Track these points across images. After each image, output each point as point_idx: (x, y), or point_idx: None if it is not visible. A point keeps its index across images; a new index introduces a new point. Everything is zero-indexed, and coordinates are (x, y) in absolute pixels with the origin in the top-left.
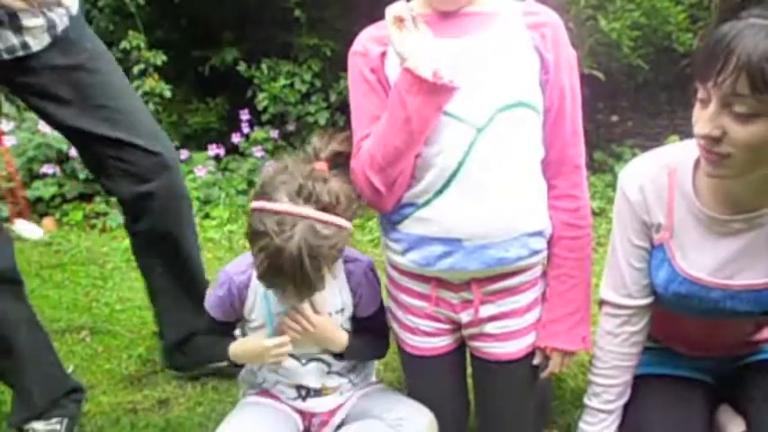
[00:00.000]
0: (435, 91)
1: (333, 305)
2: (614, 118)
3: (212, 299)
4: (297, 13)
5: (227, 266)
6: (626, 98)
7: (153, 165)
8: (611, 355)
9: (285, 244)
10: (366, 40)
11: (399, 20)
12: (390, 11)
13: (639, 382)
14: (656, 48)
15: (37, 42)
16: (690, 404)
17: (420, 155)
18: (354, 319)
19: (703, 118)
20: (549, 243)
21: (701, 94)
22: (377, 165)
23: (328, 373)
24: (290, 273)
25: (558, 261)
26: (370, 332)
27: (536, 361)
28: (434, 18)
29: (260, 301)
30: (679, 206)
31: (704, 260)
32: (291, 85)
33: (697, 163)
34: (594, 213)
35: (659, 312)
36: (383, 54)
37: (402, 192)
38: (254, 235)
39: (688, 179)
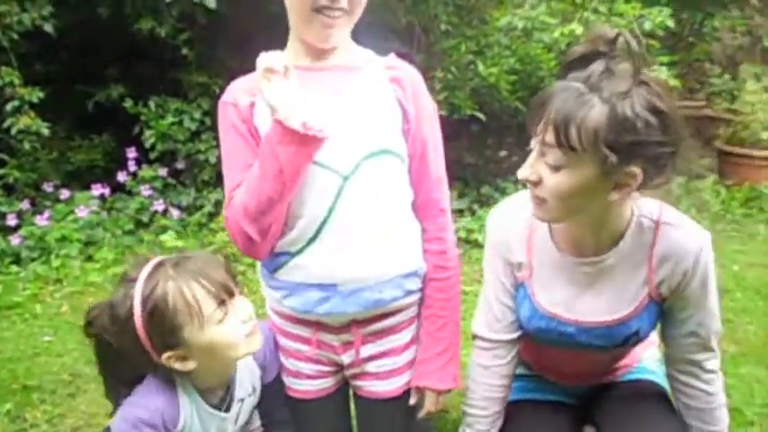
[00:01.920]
0: (306, 142)
1: (245, 390)
2: (502, 153)
3: None
4: (185, 51)
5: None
6: (512, 135)
7: None
8: (483, 387)
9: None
10: (236, 91)
11: (269, 71)
12: (261, 61)
13: (513, 408)
14: (531, 91)
15: None
16: (557, 426)
17: (291, 203)
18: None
19: (527, 163)
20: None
21: (531, 141)
22: (250, 214)
23: None
24: None
25: (428, 301)
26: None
27: (412, 401)
28: (302, 70)
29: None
30: (537, 247)
31: (560, 297)
32: (180, 122)
33: None
34: (480, 246)
35: (529, 343)
36: (252, 105)
37: (276, 240)
38: None
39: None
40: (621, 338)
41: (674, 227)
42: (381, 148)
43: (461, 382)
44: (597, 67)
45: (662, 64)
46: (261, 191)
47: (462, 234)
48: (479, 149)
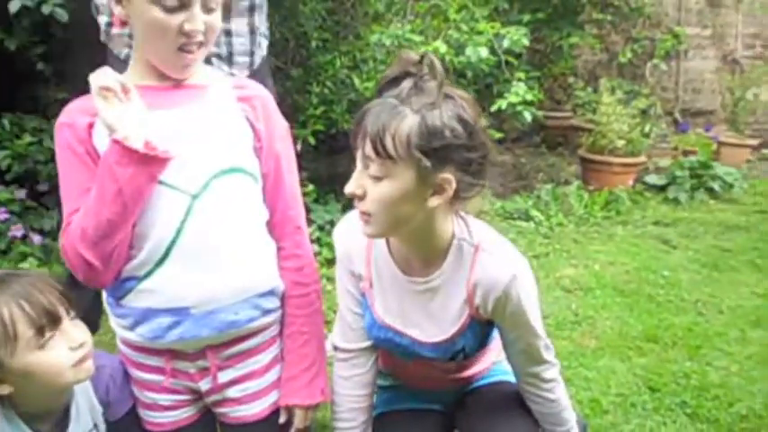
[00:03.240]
0: (147, 162)
1: (85, 425)
2: None
3: None
4: (40, 65)
5: None
6: None
7: None
8: (347, 399)
9: None
10: (73, 111)
11: (106, 89)
12: (95, 80)
13: (379, 421)
14: None
15: None
16: None
17: (135, 225)
18: (107, 423)
19: (352, 179)
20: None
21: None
22: (89, 239)
23: None
24: None
25: (290, 319)
26: None
27: (281, 419)
28: (148, 90)
29: None
30: (377, 259)
31: (395, 310)
32: (40, 141)
33: None
34: None
35: (383, 352)
36: (91, 125)
37: (120, 265)
38: None
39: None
40: (450, 354)
41: (489, 254)
42: (232, 166)
43: (330, 395)
44: (407, 84)
45: (519, 80)
46: (100, 213)
47: None
48: None
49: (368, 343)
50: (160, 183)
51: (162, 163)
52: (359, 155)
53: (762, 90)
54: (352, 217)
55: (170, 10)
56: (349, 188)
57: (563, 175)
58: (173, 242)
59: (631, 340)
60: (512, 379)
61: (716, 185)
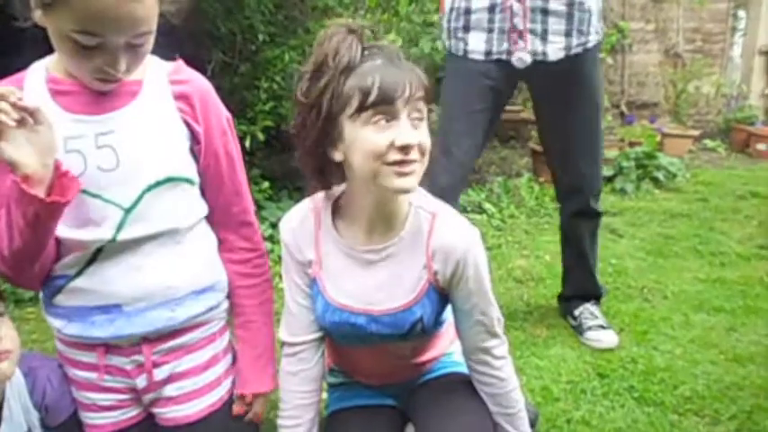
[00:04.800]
0: (50, 205)
1: (18, 428)
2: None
3: None
4: None
5: None
6: None
7: None
8: (293, 395)
9: None
10: None
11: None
12: None
13: (332, 419)
14: None
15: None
16: (376, 430)
17: (62, 231)
18: (48, 428)
19: (402, 132)
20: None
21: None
22: (7, 260)
23: None
24: None
25: (239, 309)
26: None
27: (236, 408)
28: (78, 88)
29: None
30: (324, 241)
31: (349, 288)
32: None
33: (337, 199)
34: None
35: (334, 347)
36: None
37: (46, 272)
38: None
39: (329, 215)
40: (408, 325)
41: (446, 222)
42: (166, 176)
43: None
44: (373, 49)
45: None
46: (13, 241)
47: None
48: None
49: (315, 335)
50: (93, 196)
51: (66, 204)
52: (403, 107)
53: (702, 83)
54: (295, 209)
55: (87, 48)
56: (414, 138)
57: (514, 168)
58: (104, 246)
59: None
60: (463, 369)
61: (660, 175)
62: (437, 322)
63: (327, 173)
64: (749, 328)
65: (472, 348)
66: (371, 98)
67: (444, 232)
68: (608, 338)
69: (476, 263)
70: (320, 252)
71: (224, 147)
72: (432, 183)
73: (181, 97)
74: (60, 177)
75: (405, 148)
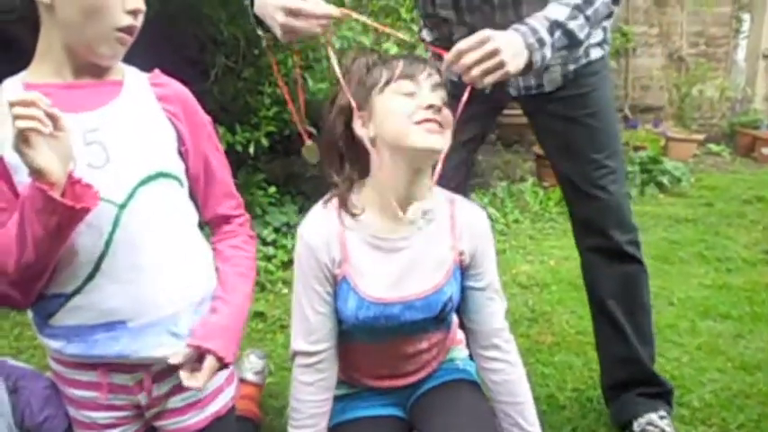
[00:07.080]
0: (75, 211)
1: None
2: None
3: None
4: None
5: None
6: None
7: None
8: (309, 405)
9: None
10: None
11: (30, 130)
12: (19, 110)
13: (335, 431)
14: None
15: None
16: None
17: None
18: None
19: (424, 96)
20: None
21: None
22: (9, 277)
23: None
24: None
25: (222, 277)
26: None
27: (181, 359)
28: (61, 89)
29: None
30: (350, 237)
31: (380, 280)
32: None
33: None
34: None
35: (347, 347)
36: None
37: (40, 288)
38: None
39: (348, 212)
40: (440, 306)
41: (464, 206)
42: (157, 171)
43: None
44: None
45: None
46: (23, 253)
47: None
48: (317, 164)
49: (330, 343)
50: None
51: (90, 209)
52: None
53: (707, 86)
54: (314, 212)
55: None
56: (434, 99)
57: (518, 173)
58: (102, 254)
59: (587, 335)
60: (465, 375)
61: (665, 180)
62: (456, 306)
63: (352, 160)
64: (756, 334)
65: (485, 334)
66: (397, 72)
67: (467, 214)
68: None
69: (491, 239)
70: (347, 249)
71: (211, 149)
72: None
73: (163, 99)
74: (73, 185)
75: (430, 107)
